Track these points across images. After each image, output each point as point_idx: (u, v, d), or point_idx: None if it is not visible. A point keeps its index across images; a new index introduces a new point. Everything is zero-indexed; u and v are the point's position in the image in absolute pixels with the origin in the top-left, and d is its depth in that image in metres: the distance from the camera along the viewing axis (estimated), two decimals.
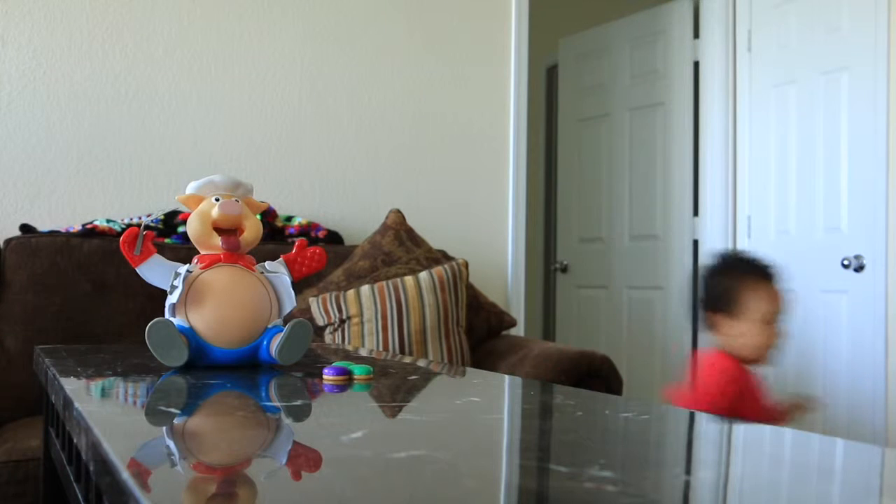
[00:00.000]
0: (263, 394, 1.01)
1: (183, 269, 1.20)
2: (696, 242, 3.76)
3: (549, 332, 4.98)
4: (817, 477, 0.60)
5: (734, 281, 1.85)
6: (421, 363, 1.38)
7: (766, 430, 0.79)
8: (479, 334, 2.64)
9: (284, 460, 0.63)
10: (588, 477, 0.57)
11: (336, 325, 2.38)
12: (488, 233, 3.15)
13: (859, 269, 3.04)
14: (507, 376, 1.20)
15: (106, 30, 2.61)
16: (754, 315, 1.80)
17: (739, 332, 1.81)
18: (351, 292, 2.40)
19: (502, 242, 3.18)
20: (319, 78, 2.90)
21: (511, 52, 3.20)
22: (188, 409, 0.87)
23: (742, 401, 1.74)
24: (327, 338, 2.39)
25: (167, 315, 1.20)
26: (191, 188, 1.25)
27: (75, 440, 0.84)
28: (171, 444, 0.69)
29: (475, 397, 0.98)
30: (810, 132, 3.25)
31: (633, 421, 0.83)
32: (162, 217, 2.53)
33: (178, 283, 1.18)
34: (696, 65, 3.74)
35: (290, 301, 1.26)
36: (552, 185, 5.04)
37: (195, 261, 1.23)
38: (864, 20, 3.03)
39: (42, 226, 2.50)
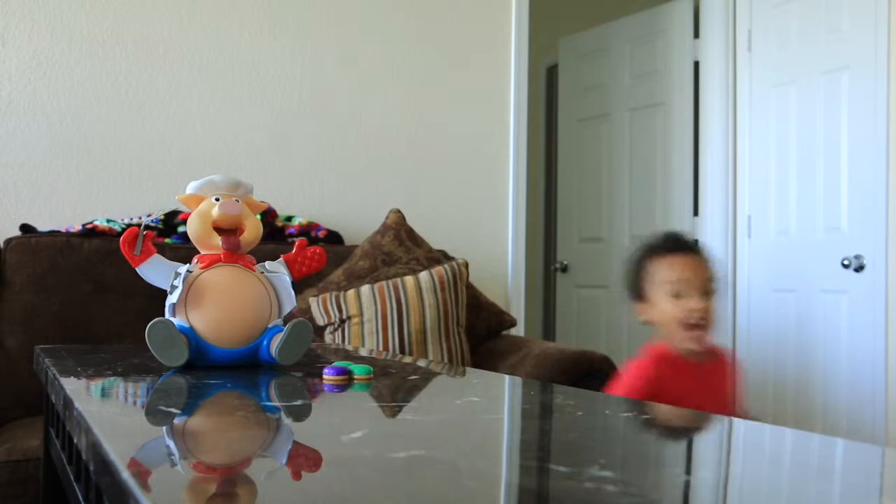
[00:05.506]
0: (263, 394, 1.01)
1: (183, 269, 1.20)
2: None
3: (549, 332, 4.98)
4: (817, 477, 0.60)
5: (635, 263, 1.71)
6: (421, 363, 1.38)
7: (767, 429, 0.79)
8: (479, 334, 2.64)
9: (284, 460, 0.63)
10: (588, 477, 0.57)
11: (336, 325, 2.38)
12: (488, 233, 3.15)
13: (859, 269, 3.04)
14: (507, 376, 1.20)
15: (106, 30, 2.61)
16: (657, 292, 1.64)
17: (652, 316, 1.66)
18: (351, 292, 2.40)
19: (502, 242, 3.18)
20: (319, 78, 2.90)
21: (511, 52, 3.20)
22: (188, 409, 0.87)
23: (662, 395, 1.53)
24: (327, 338, 2.39)
25: (167, 315, 1.20)
26: (191, 188, 1.25)
27: (75, 440, 0.84)
28: (171, 444, 0.69)
29: (475, 397, 0.98)
30: (810, 132, 3.25)
31: (633, 421, 0.83)
32: (162, 217, 2.53)
33: (178, 283, 1.18)
34: (696, 65, 3.74)
35: (290, 301, 1.25)
36: (552, 185, 5.04)
37: (195, 261, 1.23)
38: (864, 20, 3.03)
39: (42, 226, 2.50)
